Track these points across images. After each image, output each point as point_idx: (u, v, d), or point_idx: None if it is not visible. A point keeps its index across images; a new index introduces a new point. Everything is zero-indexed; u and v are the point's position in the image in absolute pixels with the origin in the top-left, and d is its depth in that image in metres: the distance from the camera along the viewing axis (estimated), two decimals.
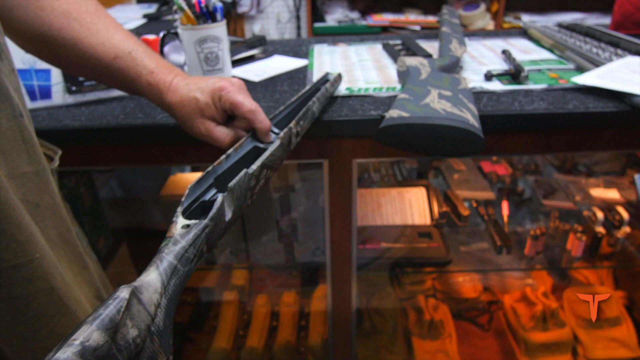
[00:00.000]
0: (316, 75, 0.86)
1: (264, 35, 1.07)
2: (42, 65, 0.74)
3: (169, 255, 0.35)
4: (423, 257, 0.97)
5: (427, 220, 1.05)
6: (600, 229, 1.03)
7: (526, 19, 2.20)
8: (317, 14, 2.41)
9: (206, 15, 0.78)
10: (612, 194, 1.17)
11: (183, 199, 0.41)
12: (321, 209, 0.97)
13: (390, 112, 0.60)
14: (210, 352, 1.12)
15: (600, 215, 1.03)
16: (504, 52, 0.91)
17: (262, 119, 0.54)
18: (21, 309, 0.41)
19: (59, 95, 0.77)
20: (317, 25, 2.32)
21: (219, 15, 0.80)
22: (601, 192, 1.19)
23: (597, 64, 0.81)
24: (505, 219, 1.12)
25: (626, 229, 1.04)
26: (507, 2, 2.19)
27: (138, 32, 1.27)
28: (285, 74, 0.89)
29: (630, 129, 0.70)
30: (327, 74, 0.74)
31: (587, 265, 1.12)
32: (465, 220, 1.06)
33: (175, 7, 0.78)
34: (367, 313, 1.17)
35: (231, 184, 0.41)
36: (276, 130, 0.57)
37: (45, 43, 0.53)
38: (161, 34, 0.83)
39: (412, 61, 0.76)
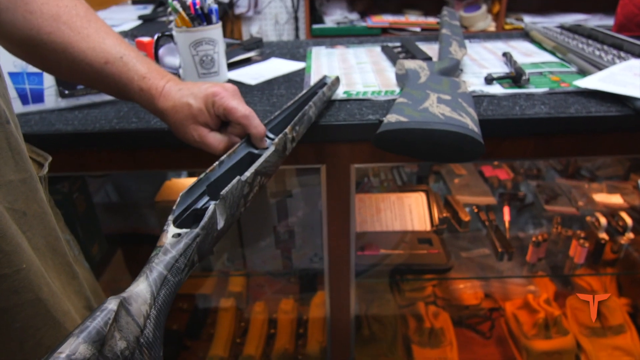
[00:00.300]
0: (314, 79, 0.84)
1: (260, 38, 1.06)
2: (35, 68, 0.73)
3: (159, 265, 0.34)
4: (423, 263, 0.96)
5: (427, 226, 1.03)
6: (603, 235, 1.02)
7: (528, 20, 2.19)
8: (315, 15, 2.39)
9: (201, 18, 0.77)
10: (616, 199, 1.16)
11: (174, 207, 0.39)
12: (319, 214, 0.96)
13: (389, 117, 0.58)
14: None
15: (603, 221, 1.02)
16: (505, 54, 0.90)
17: (257, 125, 0.52)
18: (6, 321, 0.40)
19: (51, 99, 0.75)
20: (316, 26, 2.31)
21: (214, 17, 0.78)
22: (604, 198, 1.17)
23: (599, 67, 0.79)
24: (507, 224, 1.11)
25: (630, 235, 1.02)
26: (508, 3, 2.18)
27: (133, 33, 1.26)
28: (282, 77, 0.87)
29: (633, 133, 0.69)
30: (324, 77, 0.72)
31: (590, 272, 1.10)
32: (466, 226, 1.04)
33: (169, 9, 0.77)
34: (366, 320, 1.15)
35: (223, 192, 0.40)
36: (271, 136, 0.55)
37: (34, 47, 0.51)
38: (155, 37, 0.82)
39: (411, 64, 0.75)
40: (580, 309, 1.16)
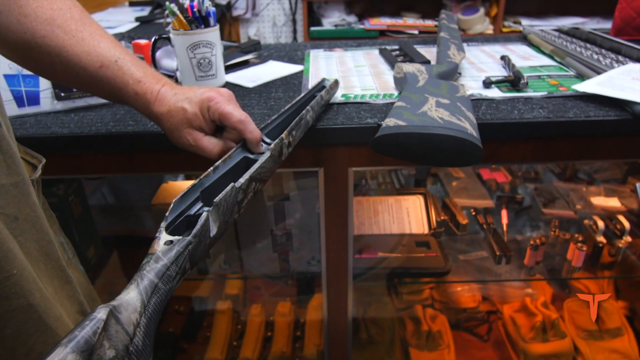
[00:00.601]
0: (312, 81, 0.84)
1: (258, 40, 1.05)
2: None
3: (150, 273, 0.34)
4: (421, 267, 0.95)
5: (425, 229, 1.03)
6: (601, 239, 1.01)
7: (525, 23, 2.19)
8: (313, 18, 2.39)
9: (199, 20, 0.77)
10: (613, 203, 1.16)
11: (167, 214, 0.39)
12: (316, 217, 0.95)
13: (387, 121, 0.58)
14: None
15: (601, 224, 1.02)
16: (503, 58, 0.90)
17: (252, 129, 0.52)
18: None
19: (47, 101, 0.75)
20: (314, 29, 2.31)
21: (212, 20, 0.78)
22: (602, 201, 1.17)
23: (598, 70, 0.79)
24: (505, 227, 1.10)
25: (627, 238, 1.02)
26: (506, 6, 2.18)
27: (130, 35, 1.25)
28: (280, 79, 0.87)
29: (632, 137, 0.69)
30: (323, 80, 0.72)
31: (588, 275, 1.10)
32: (464, 229, 1.04)
33: (167, 12, 0.77)
34: (363, 323, 1.15)
35: (217, 199, 0.40)
36: (267, 141, 0.55)
37: (28, 51, 0.51)
38: (153, 39, 0.81)
39: (409, 68, 0.74)
40: (578, 311, 1.16)
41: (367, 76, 0.86)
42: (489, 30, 2.26)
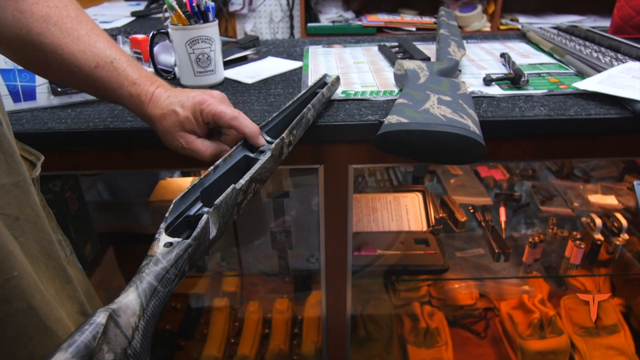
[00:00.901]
0: (311, 78, 0.83)
1: (257, 36, 1.05)
2: None
3: (149, 275, 0.34)
4: (420, 264, 0.95)
5: (423, 227, 1.03)
6: (598, 236, 1.02)
7: (523, 20, 2.19)
8: (310, 14, 2.38)
9: (198, 15, 0.76)
10: (610, 200, 1.16)
11: (167, 215, 0.39)
12: (313, 214, 0.95)
13: (389, 118, 0.57)
14: None
15: (598, 222, 1.02)
16: (503, 55, 0.90)
17: (248, 123, 0.53)
18: None
19: (43, 96, 0.74)
20: (311, 25, 2.30)
21: (211, 15, 0.77)
22: (599, 199, 1.18)
23: (597, 69, 0.79)
24: (503, 225, 1.11)
25: (625, 236, 1.02)
26: (503, 3, 2.18)
27: (126, 30, 1.24)
28: (279, 75, 0.87)
29: (632, 135, 0.69)
30: (325, 76, 0.71)
31: (585, 272, 1.10)
32: (462, 227, 1.04)
33: (165, 6, 0.76)
34: (361, 320, 1.15)
35: (217, 201, 0.39)
36: (268, 139, 0.55)
37: (24, 47, 0.50)
38: (151, 34, 0.80)
39: (410, 65, 0.74)
40: (575, 309, 1.17)
41: (366, 73, 0.86)
42: (487, 27, 2.26)
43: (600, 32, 1.00)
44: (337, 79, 0.73)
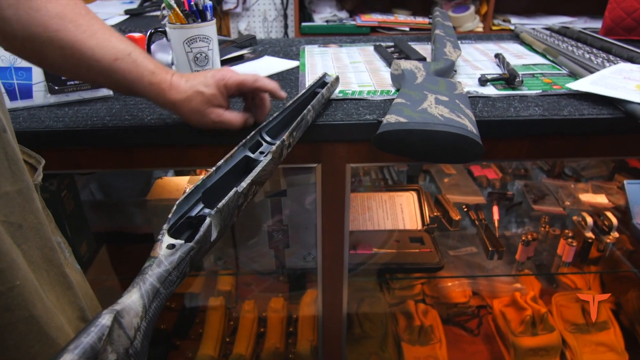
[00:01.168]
0: (308, 77, 0.84)
1: (254, 35, 1.05)
2: (23, 63, 0.71)
3: (152, 277, 0.34)
4: (415, 262, 0.96)
5: (418, 225, 1.04)
6: (590, 234, 1.04)
7: (515, 21, 2.21)
8: (304, 13, 2.38)
9: (195, 14, 0.76)
10: (601, 199, 1.18)
11: (170, 216, 0.39)
12: (308, 213, 0.95)
13: (388, 117, 0.58)
14: (196, 359, 1.09)
15: (589, 220, 1.04)
16: (497, 56, 0.91)
17: (268, 82, 0.61)
18: None
19: (40, 94, 0.73)
20: (305, 24, 2.30)
21: (208, 14, 0.77)
22: (590, 197, 1.19)
23: (590, 69, 0.81)
24: (496, 223, 1.12)
25: (615, 234, 1.04)
26: (495, 4, 2.20)
27: (120, 28, 1.23)
28: (276, 75, 0.87)
29: (625, 135, 0.70)
30: (324, 75, 0.72)
31: (576, 270, 1.12)
32: (456, 225, 1.05)
33: (163, 5, 0.76)
34: (357, 319, 1.16)
35: (220, 204, 0.40)
36: (268, 139, 0.55)
37: (40, 45, 0.51)
38: (148, 32, 0.80)
39: (407, 65, 0.75)
40: (566, 306, 1.19)
41: (363, 72, 0.86)
42: (479, 27, 2.28)
43: (592, 34, 1.01)
44: (337, 79, 0.73)
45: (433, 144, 0.57)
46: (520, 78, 0.77)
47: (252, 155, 0.52)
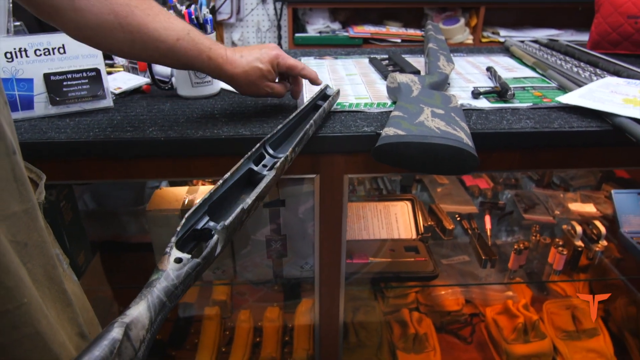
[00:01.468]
0: (306, 89, 0.85)
1: None
2: (24, 74, 0.71)
3: (159, 290, 0.35)
4: (410, 271, 0.98)
5: (413, 235, 1.06)
6: (579, 243, 1.06)
7: (504, 33, 2.27)
8: (298, 24, 2.41)
9: (196, 27, 0.77)
10: (589, 208, 1.21)
11: (178, 229, 0.40)
12: (304, 222, 0.96)
13: (386, 130, 0.60)
14: None
15: (579, 229, 1.06)
16: (489, 69, 0.93)
17: (310, 71, 0.72)
18: (4, 357, 0.39)
19: (41, 105, 0.74)
20: (299, 35, 2.33)
21: (209, 27, 0.79)
22: (579, 207, 1.22)
23: (578, 83, 0.84)
24: (489, 232, 1.14)
25: (604, 243, 1.07)
26: (485, 17, 2.25)
27: None
28: None
29: (613, 147, 0.73)
30: (326, 87, 0.74)
31: (566, 278, 1.14)
32: (450, 234, 1.07)
33: None
34: (352, 327, 1.17)
35: (228, 221, 0.41)
36: (271, 152, 0.56)
37: (111, 31, 0.56)
38: None
39: (402, 78, 0.77)
40: (557, 313, 1.21)
41: (359, 85, 0.88)
42: (469, 40, 2.32)
43: (579, 48, 1.05)
44: (338, 92, 0.75)
45: (431, 156, 0.59)
46: (512, 91, 0.79)
47: (255, 168, 0.54)
